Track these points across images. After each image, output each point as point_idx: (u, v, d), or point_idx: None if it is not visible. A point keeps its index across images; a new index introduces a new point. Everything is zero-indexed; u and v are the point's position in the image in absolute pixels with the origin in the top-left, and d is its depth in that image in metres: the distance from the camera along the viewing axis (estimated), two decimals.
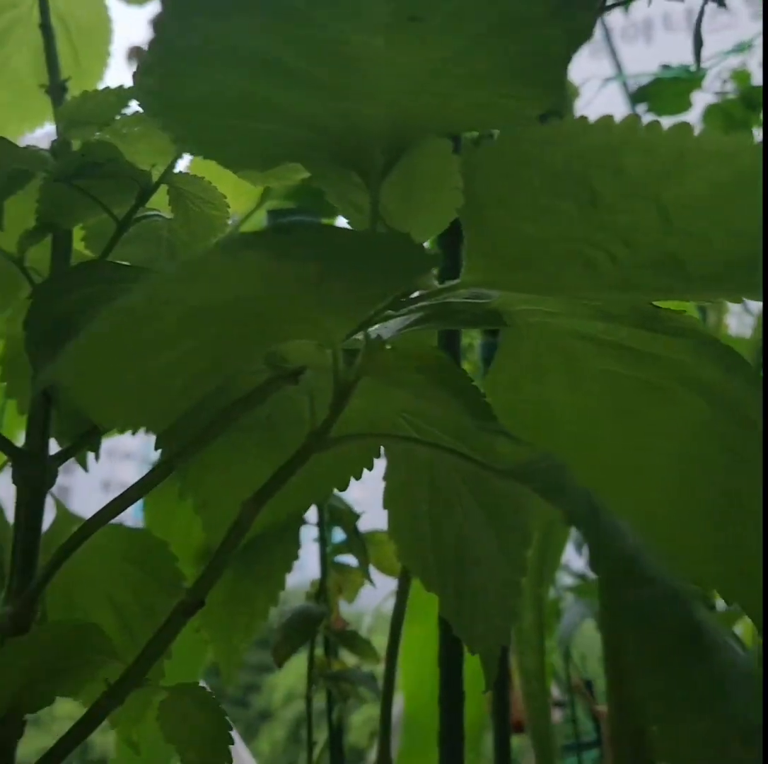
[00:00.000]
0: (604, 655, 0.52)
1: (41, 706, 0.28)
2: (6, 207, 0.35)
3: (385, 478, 0.42)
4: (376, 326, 0.28)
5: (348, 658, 0.65)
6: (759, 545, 0.30)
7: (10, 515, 0.38)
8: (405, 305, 0.25)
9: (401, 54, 0.20)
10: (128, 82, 0.39)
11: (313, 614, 0.53)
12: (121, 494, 0.30)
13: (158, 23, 0.17)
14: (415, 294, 0.26)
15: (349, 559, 0.60)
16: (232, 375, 0.30)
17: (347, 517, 0.54)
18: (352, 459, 0.37)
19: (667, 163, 0.19)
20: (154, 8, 0.54)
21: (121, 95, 0.34)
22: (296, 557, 0.53)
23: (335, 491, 0.59)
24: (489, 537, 0.39)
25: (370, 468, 0.38)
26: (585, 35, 0.18)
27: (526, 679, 0.54)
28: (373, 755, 1.00)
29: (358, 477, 0.38)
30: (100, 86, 0.47)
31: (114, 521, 0.44)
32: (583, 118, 0.19)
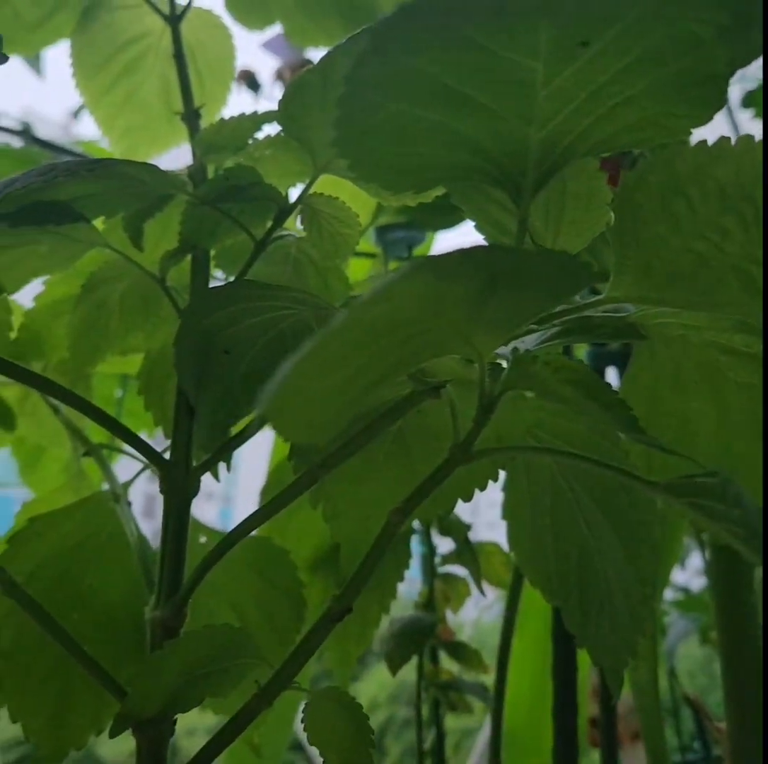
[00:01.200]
0: (724, 669, 0.51)
1: (191, 706, 0.30)
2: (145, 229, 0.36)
3: (504, 490, 0.42)
4: (515, 340, 0.28)
5: (451, 667, 0.65)
6: None
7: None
8: (548, 320, 0.26)
9: (561, 77, 0.20)
10: (244, 105, 0.40)
11: (424, 623, 0.53)
12: (264, 506, 0.31)
13: (361, 56, 0.18)
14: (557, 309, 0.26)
15: (455, 569, 0.61)
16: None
17: (457, 527, 0.54)
18: (479, 471, 0.37)
19: None
20: (264, 34, 0.56)
21: (256, 120, 0.35)
22: (407, 566, 0.54)
23: None
24: (615, 549, 0.39)
25: (496, 480, 0.38)
26: (754, 53, 0.18)
27: (639, 693, 0.53)
28: None
29: (483, 488, 0.38)
30: (224, 111, 0.49)
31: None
32: (750, 136, 0.19)
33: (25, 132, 0.66)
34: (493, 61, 0.19)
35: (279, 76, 0.87)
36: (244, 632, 0.30)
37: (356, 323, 0.18)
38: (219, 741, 0.28)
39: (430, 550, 0.58)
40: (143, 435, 0.42)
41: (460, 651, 0.57)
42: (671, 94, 0.20)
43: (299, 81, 0.27)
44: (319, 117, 0.29)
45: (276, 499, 0.29)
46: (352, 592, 0.27)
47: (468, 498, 0.38)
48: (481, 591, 0.56)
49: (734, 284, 0.22)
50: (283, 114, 0.29)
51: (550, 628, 0.59)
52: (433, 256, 0.20)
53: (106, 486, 0.43)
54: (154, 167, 0.33)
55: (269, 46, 0.90)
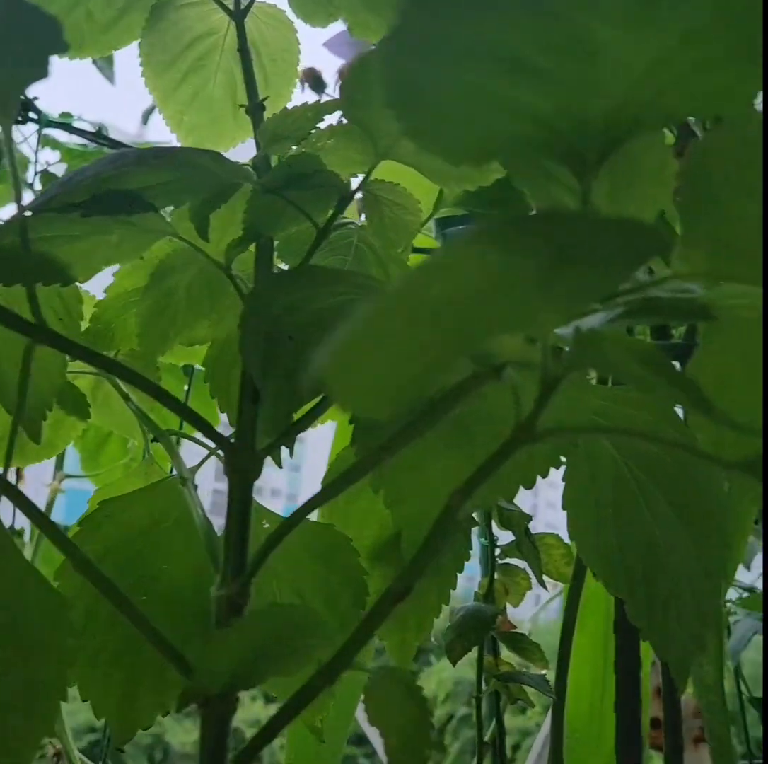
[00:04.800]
0: None
1: (256, 684, 0.30)
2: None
3: (564, 479, 0.41)
4: (576, 321, 0.28)
5: (511, 662, 0.64)
6: None
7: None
8: (610, 299, 0.25)
9: (629, 42, 0.20)
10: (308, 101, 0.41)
11: (485, 614, 0.53)
12: (324, 488, 0.32)
13: (407, 18, 0.18)
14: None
15: (516, 562, 0.60)
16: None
17: (518, 519, 0.54)
18: (540, 456, 0.37)
19: None
20: (329, 31, 0.56)
21: (318, 110, 0.36)
22: (468, 557, 0.53)
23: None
24: (682, 541, 0.38)
25: (558, 467, 0.38)
26: None
27: (705, 692, 0.52)
28: None
29: (544, 475, 0.38)
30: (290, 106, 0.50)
31: None
32: None
33: (99, 133, 0.68)
34: (562, 26, 0.19)
35: (342, 75, 0.88)
36: (309, 611, 0.30)
37: (414, 290, 0.18)
38: (279, 719, 0.28)
39: (490, 541, 0.57)
40: None
41: (520, 643, 0.57)
42: (743, 58, 0.20)
43: (360, 61, 0.27)
44: (380, 98, 0.29)
45: (336, 481, 0.30)
46: (413, 573, 0.27)
47: (530, 485, 0.38)
48: (542, 583, 0.56)
49: None
50: (343, 97, 0.30)
51: (612, 623, 0.58)
52: (496, 224, 0.20)
53: (174, 473, 0.44)
54: (220, 156, 0.33)
55: (331, 45, 0.91)
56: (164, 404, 0.33)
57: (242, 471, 0.33)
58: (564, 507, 0.41)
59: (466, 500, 0.27)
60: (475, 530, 0.59)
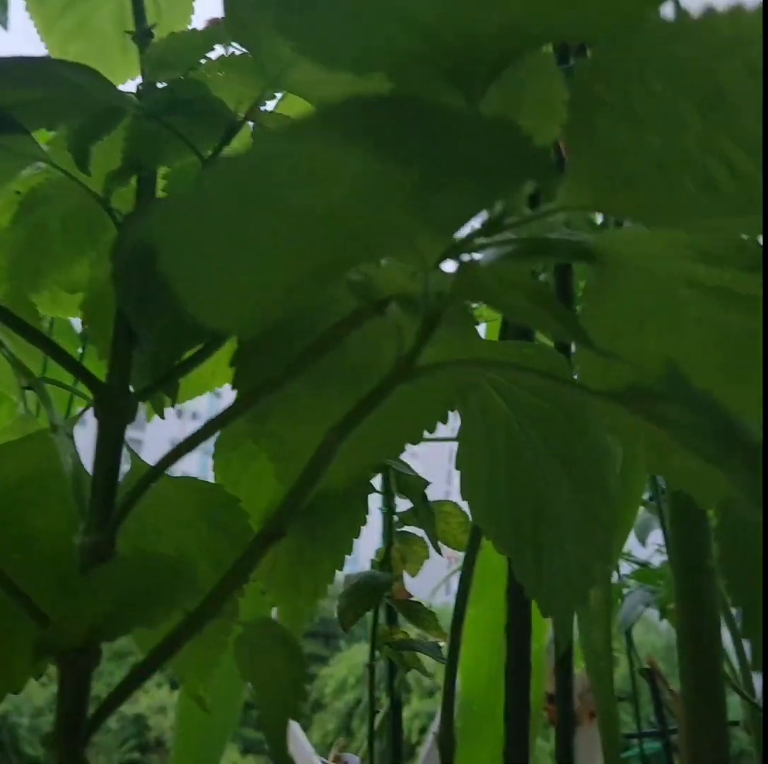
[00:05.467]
0: (680, 639, 0.50)
1: (119, 635, 0.28)
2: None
3: (458, 439, 0.41)
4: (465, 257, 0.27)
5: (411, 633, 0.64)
6: None
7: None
8: (496, 229, 0.24)
9: None
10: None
11: (379, 580, 0.52)
12: (196, 431, 0.30)
13: None
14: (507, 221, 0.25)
15: (414, 531, 0.60)
16: (315, 310, 0.29)
17: (415, 485, 0.53)
18: (426, 411, 0.36)
19: None
20: None
21: (207, 37, 0.34)
22: (364, 522, 0.52)
23: (401, 461, 0.58)
24: (570, 498, 0.38)
25: (445, 421, 0.37)
26: None
27: (593, 658, 0.53)
28: (421, 749, 0.99)
29: (431, 430, 0.37)
30: None
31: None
32: (712, 9, 0.18)
33: None
34: None
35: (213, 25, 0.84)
36: (179, 561, 0.29)
37: (272, 192, 0.16)
38: (139, 672, 0.27)
39: (388, 508, 0.56)
40: None
41: (415, 611, 0.56)
42: None
43: None
44: (268, 20, 0.28)
45: (212, 421, 0.28)
46: (285, 515, 0.26)
47: (416, 440, 0.37)
48: (438, 550, 0.55)
49: (691, 184, 0.21)
50: (228, 15, 0.28)
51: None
52: (364, 118, 0.18)
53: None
54: (98, 74, 0.31)
55: None
56: (29, 339, 0.30)
57: (113, 415, 0.31)
58: (458, 467, 0.41)
59: (341, 440, 0.26)
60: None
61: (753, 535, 0.25)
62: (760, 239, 0.27)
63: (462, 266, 0.23)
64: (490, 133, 0.18)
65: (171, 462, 0.29)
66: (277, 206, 0.18)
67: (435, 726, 1.17)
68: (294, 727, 1.22)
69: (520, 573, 0.38)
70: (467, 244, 0.25)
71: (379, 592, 0.52)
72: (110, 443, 0.31)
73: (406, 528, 0.60)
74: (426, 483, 0.54)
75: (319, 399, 0.32)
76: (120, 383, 0.31)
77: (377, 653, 0.59)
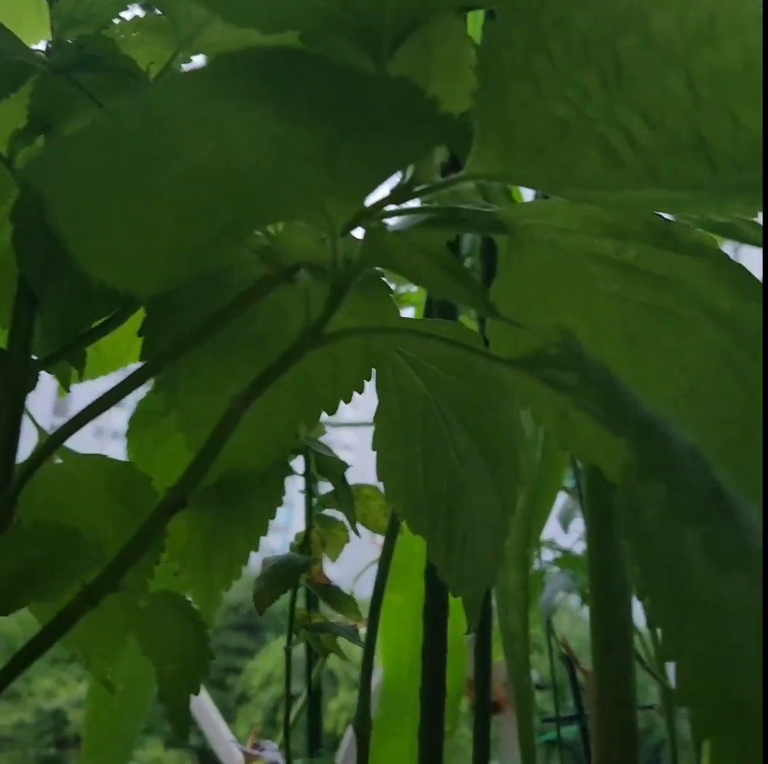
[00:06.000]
0: (593, 620, 0.51)
1: (14, 609, 0.27)
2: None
3: (375, 419, 0.41)
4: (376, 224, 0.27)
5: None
6: None
7: None
8: (406, 196, 0.24)
9: None
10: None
11: (296, 562, 0.52)
12: (95, 401, 0.29)
13: None
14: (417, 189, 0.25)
15: (336, 514, 0.59)
16: (224, 277, 0.29)
17: (334, 466, 0.53)
18: (343, 381, 0.36)
19: (700, 28, 0.18)
20: None
21: None
22: (280, 503, 0.52)
23: (322, 443, 0.58)
24: (483, 476, 0.38)
25: (361, 391, 0.36)
26: None
27: (510, 639, 0.53)
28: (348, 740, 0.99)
29: (347, 400, 0.36)
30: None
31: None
32: None
33: None
34: None
35: None
36: (77, 532, 0.28)
37: (173, 146, 0.16)
38: (35, 645, 0.26)
39: (308, 490, 0.56)
40: None
41: (334, 596, 0.56)
42: None
43: None
44: None
45: (112, 390, 0.27)
46: (188, 484, 0.25)
47: (332, 410, 0.36)
48: (356, 533, 0.55)
49: (595, 154, 0.21)
50: None
51: None
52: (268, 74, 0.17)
53: None
54: (5, 30, 0.30)
55: None
56: None
57: (12, 383, 0.30)
58: (374, 447, 0.40)
59: (247, 407, 0.25)
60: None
61: (654, 513, 0.25)
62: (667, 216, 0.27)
63: (369, 231, 0.23)
64: (393, 95, 0.18)
65: (69, 433, 0.28)
66: (175, 159, 0.17)
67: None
68: (214, 716, 1.20)
69: (433, 553, 0.38)
70: (377, 210, 0.25)
71: (296, 575, 0.52)
72: (9, 412, 0.30)
73: (327, 512, 0.59)
74: (345, 465, 0.54)
75: (227, 368, 0.32)
76: (21, 351, 0.30)
77: (295, 637, 0.58)
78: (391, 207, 0.25)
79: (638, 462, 0.18)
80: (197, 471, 0.25)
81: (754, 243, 0.61)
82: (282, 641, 0.61)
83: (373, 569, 0.56)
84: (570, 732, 0.82)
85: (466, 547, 0.38)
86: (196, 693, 0.27)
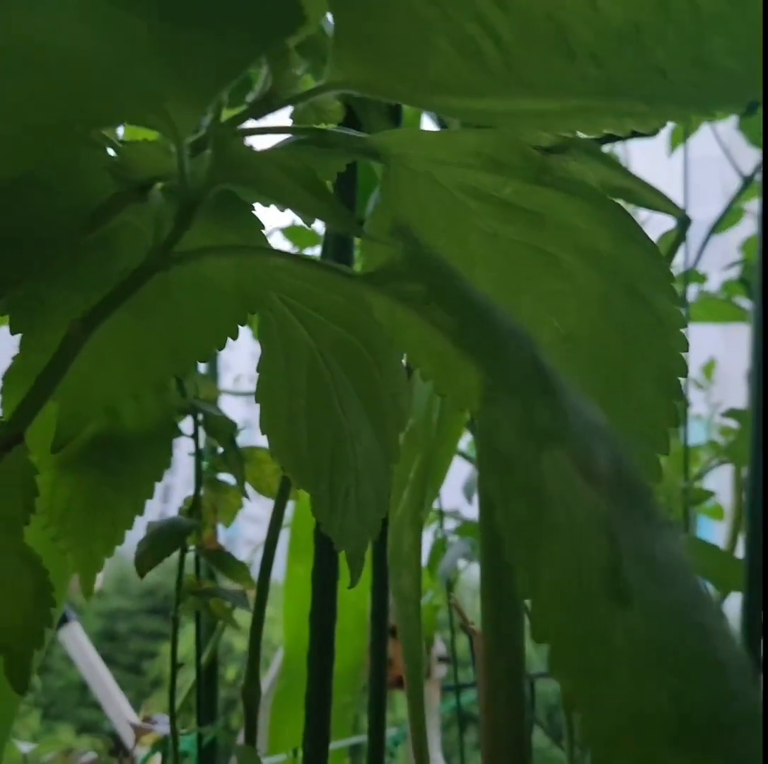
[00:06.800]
0: (482, 578, 0.51)
1: None
2: None
3: (258, 369, 0.39)
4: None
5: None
6: (656, 434, 0.28)
7: None
8: (265, 107, 0.22)
9: None
10: None
11: (181, 525, 0.50)
12: None
13: None
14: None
15: (232, 479, 0.57)
16: (71, 195, 0.26)
17: (223, 426, 0.51)
18: (214, 325, 0.34)
19: None
20: None
21: None
22: (167, 465, 0.50)
23: (212, 404, 0.56)
24: (366, 428, 0.37)
25: (235, 337, 0.35)
26: None
27: (402, 602, 0.53)
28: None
29: (220, 346, 0.34)
30: None
31: None
32: None
33: None
34: None
35: None
36: None
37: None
38: None
39: (197, 452, 0.54)
40: None
41: (225, 561, 0.54)
42: None
43: None
44: None
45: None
46: (24, 416, 0.23)
47: (205, 357, 0.35)
48: (247, 497, 0.53)
49: (456, 57, 0.20)
50: None
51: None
52: None
53: None
54: None
55: None
56: None
57: None
58: (257, 399, 0.39)
59: (88, 333, 0.23)
60: None
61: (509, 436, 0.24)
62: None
63: (218, 140, 0.21)
64: None
65: None
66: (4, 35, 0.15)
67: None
68: (118, 698, 1.17)
69: (317, 508, 0.37)
70: (235, 124, 0.23)
71: (180, 538, 0.50)
72: None
73: (224, 477, 0.57)
74: (235, 425, 0.52)
75: (83, 298, 0.29)
76: None
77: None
78: (254, 125, 0.24)
79: (488, 382, 0.17)
80: (33, 403, 0.23)
81: (652, 208, 0.60)
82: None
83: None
84: (469, 698, 0.83)
85: (350, 500, 0.37)
86: (40, 647, 0.25)
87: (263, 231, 0.30)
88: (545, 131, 0.24)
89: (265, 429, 0.39)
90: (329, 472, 0.37)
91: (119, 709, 1.15)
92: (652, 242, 0.25)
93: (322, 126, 0.26)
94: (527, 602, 0.19)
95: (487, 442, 0.20)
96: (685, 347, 0.25)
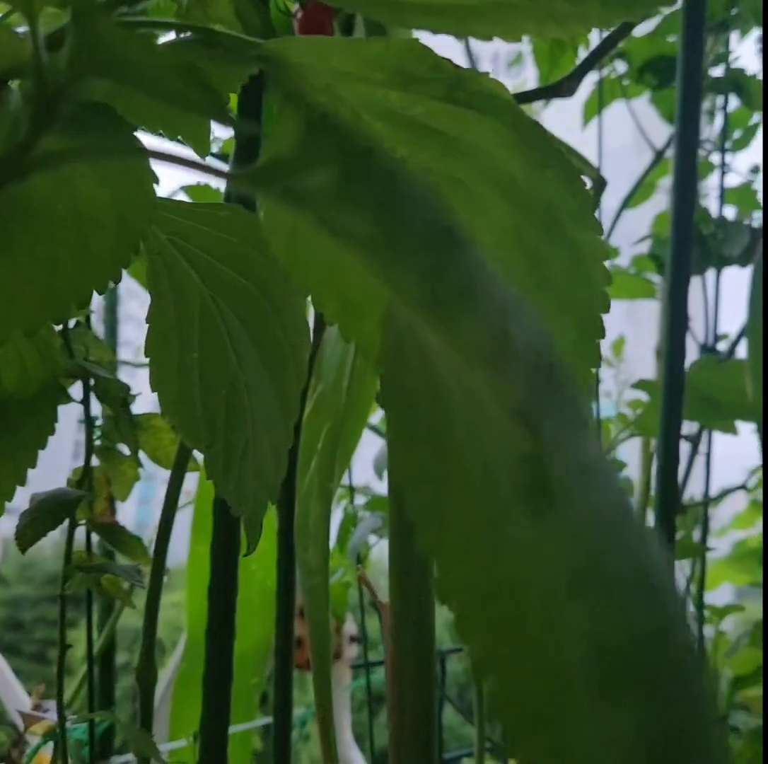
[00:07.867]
0: (391, 554, 0.49)
1: None
2: None
3: (147, 320, 0.36)
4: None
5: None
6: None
7: None
8: None
9: None
10: None
11: (68, 497, 0.46)
12: None
13: None
14: None
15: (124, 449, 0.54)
16: None
17: (114, 389, 0.47)
18: (93, 265, 0.30)
19: None
20: None
21: None
22: (51, 432, 0.46)
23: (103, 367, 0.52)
24: (263, 384, 0.34)
25: (117, 279, 0.31)
26: None
27: (309, 574, 0.50)
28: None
29: (101, 290, 0.31)
30: None
31: None
32: None
33: None
34: None
35: None
36: None
37: None
38: None
39: (87, 419, 0.50)
40: None
41: (117, 536, 0.51)
42: None
43: None
44: None
45: None
46: None
47: (85, 301, 0.31)
48: (140, 466, 0.50)
49: None
50: None
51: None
52: None
53: None
54: None
55: None
56: None
57: None
58: (147, 354, 0.36)
59: None
60: None
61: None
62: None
63: (82, 15, 0.18)
64: None
65: None
66: None
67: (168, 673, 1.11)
68: (14, 685, 1.11)
69: (211, 469, 0.34)
70: (109, 9, 0.20)
71: (68, 509, 0.46)
72: None
73: (117, 446, 0.53)
74: (127, 388, 0.48)
75: None
76: None
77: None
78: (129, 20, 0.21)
79: (429, 296, 0.14)
80: None
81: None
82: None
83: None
84: (379, 677, 0.81)
85: (246, 460, 0.34)
86: None
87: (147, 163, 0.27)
88: (465, 36, 0.22)
89: (155, 385, 0.36)
90: (224, 429, 0.34)
91: (18, 698, 1.10)
92: (572, 166, 0.23)
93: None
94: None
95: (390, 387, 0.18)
96: (607, 280, 0.24)
